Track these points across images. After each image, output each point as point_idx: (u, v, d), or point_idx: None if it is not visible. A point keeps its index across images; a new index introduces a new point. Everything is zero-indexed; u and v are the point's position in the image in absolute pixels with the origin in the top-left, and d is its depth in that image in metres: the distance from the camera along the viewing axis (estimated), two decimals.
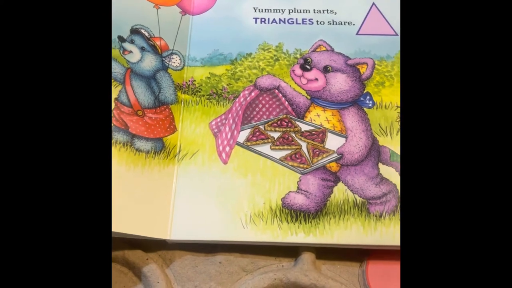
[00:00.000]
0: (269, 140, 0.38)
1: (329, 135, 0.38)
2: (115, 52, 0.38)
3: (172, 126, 0.39)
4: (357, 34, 0.43)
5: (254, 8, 0.45)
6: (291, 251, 0.36)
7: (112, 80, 0.37)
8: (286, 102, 0.40)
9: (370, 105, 0.40)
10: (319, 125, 0.39)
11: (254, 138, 0.39)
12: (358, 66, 0.41)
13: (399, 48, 0.42)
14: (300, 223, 0.35)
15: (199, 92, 0.41)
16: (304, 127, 0.39)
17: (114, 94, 0.37)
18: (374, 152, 0.38)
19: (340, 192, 0.36)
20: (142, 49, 0.40)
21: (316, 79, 0.40)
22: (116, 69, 0.38)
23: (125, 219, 0.33)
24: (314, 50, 0.42)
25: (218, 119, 0.39)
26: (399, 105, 0.40)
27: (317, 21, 0.44)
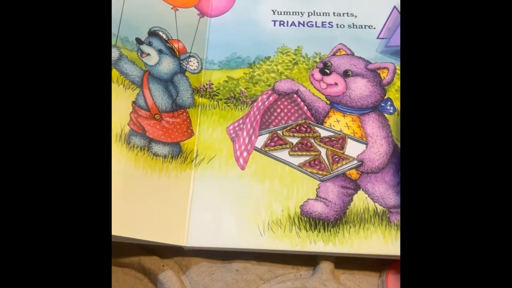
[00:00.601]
0: (288, 146, 0.38)
1: (349, 141, 0.38)
2: (133, 54, 0.38)
3: (189, 130, 0.38)
4: (377, 38, 0.42)
5: (272, 10, 0.44)
6: (309, 260, 0.35)
7: (130, 83, 0.37)
8: (305, 107, 0.39)
9: (391, 111, 0.39)
10: (338, 131, 0.38)
11: (272, 144, 0.38)
12: (379, 71, 0.40)
13: None
14: (319, 231, 0.34)
15: (217, 95, 0.40)
16: (323, 133, 0.38)
17: (132, 98, 0.37)
18: (395, 159, 0.37)
19: (360, 201, 0.35)
20: (160, 51, 0.39)
21: (336, 84, 0.40)
22: (134, 72, 0.37)
23: (142, 225, 0.33)
24: (334, 54, 0.41)
25: (236, 124, 0.39)
26: None
27: (337, 24, 0.43)
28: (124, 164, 0.34)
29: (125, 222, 0.32)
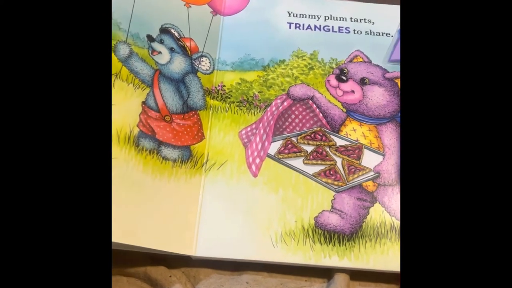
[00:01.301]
0: (302, 154, 0.36)
1: (365, 151, 0.36)
2: (143, 52, 0.36)
3: (200, 134, 0.37)
4: (395, 46, 0.41)
5: (288, 12, 0.42)
6: (323, 271, 0.34)
7: (140, 83, 0.35)
8: (321, 114, 0.38)
9: None
10: (355, 140, 0.37)
11: (286, 151, 0.36)
12: (396, 80, 0.39)
13: None
14: (334, 245, 0.33)
15: (229, 98, 0.38)
16: (339, 142, 0.37)
17: (141, 98, 0.35)
18: None
19: (376, 214, 0.34)
20: (172, 50, 0.37)
21: (353, 91, 0.38)
22: (144, 70, 0.36)
23: (148, 232, 0.31)
24: (351, 61, 0.40)
25: (249, 128, 0.37)
26: None
27: (354, 30, 0.42)
28: (132, 167, 0.32)
29: (131, 229, 0.31)
